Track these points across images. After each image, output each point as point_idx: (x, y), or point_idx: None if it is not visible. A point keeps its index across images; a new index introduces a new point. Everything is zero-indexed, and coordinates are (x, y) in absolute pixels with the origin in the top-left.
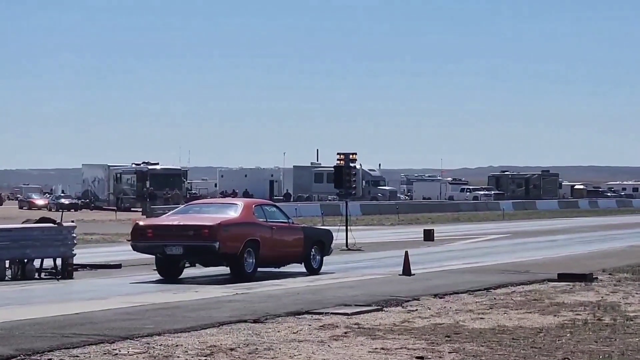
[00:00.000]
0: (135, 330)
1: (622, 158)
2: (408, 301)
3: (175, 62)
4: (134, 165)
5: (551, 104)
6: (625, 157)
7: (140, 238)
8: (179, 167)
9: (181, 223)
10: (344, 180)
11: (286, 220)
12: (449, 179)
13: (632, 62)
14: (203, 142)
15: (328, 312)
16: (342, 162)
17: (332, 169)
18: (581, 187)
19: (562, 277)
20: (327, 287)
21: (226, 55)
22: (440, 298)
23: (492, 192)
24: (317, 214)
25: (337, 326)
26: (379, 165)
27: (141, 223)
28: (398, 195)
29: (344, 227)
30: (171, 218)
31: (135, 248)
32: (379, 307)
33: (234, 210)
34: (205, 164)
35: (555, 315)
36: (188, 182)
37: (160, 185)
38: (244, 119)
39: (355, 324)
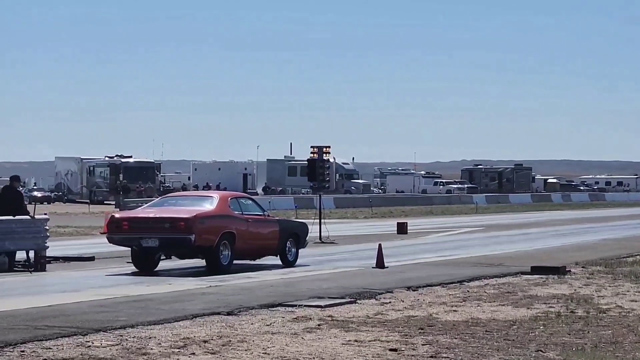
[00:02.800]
0: (108, 322)
1: (595, 152)
2: (381, 294)
3: (149, 55)
4: (107, 158)
5: (524, 98)
6: (598, 151)
7: (116, 230)
8: (152, 160)
9: (157, 215)
10: (317, 173)
11: (262, 213)
12: (423, 172)
13: (605, 56)
14: (176, 135)
15: (302, 305)
16: (315, 155)
17: (306, 162)
18: (554, 180)
19: (535, 270)
20: (300, 279)
21: (199, 49)
22: (414, 291)
23: (466, 185)
24: (291, 207)
25: (310, 318)
26: (353, 158)
27: (117, 215)
28: (372, 188)
29: (318, 220)
30: (147, 210)
31: (110, 240)
32: (352, 299)
33: (210, 203)
34: (178, 157)
35: (528, 308)
36: (161, 175)
37: (134, 178)
38: (218, 112)
39: (328, 317)
